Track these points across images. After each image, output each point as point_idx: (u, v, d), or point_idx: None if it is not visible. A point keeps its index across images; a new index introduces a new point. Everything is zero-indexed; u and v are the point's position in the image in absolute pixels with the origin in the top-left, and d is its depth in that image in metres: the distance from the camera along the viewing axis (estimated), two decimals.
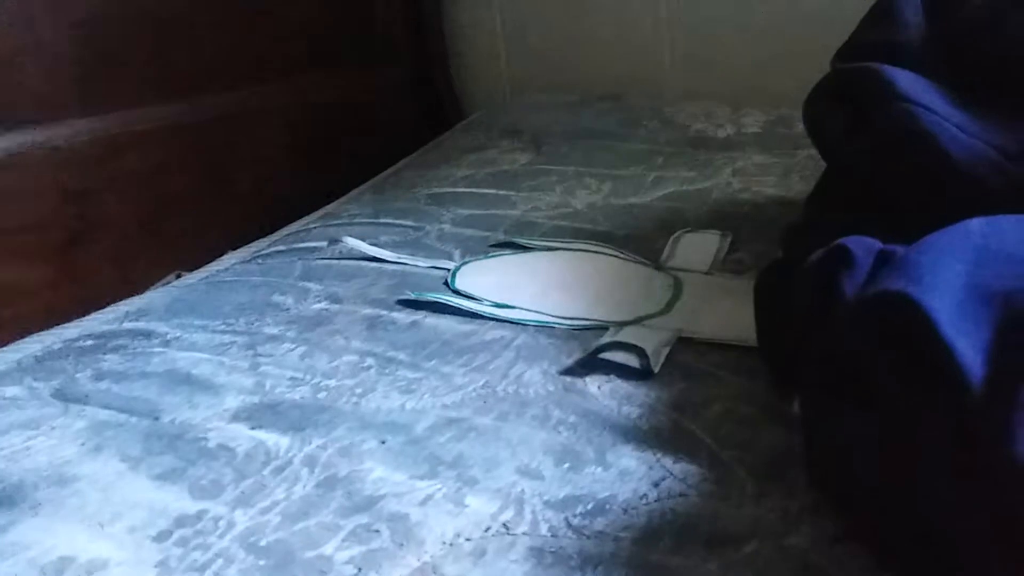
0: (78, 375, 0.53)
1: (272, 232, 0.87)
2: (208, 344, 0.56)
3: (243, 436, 0.45)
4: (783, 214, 0.72)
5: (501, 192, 0.84)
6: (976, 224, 0.39)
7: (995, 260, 0.37)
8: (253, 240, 0.85)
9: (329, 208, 0.90)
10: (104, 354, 0.56)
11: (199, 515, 0.39)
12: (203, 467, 0.43)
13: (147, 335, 0.59)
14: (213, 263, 0.79)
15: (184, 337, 0.58)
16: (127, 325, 0.61)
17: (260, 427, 0.46)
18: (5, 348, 0.62)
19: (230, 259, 0.79)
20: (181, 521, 0.39)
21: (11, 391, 0.52)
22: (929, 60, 0.55)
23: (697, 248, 0.68)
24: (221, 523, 0.39)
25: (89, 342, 0.59)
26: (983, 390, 0.31)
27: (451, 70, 1.28)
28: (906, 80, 0.52)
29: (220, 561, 0.37)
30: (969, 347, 0.33)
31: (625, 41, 1.15)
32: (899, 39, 0.57)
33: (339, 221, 0.82)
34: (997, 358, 0.32)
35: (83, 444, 0.45)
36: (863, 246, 0.42)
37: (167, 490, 0.41)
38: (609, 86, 1.14)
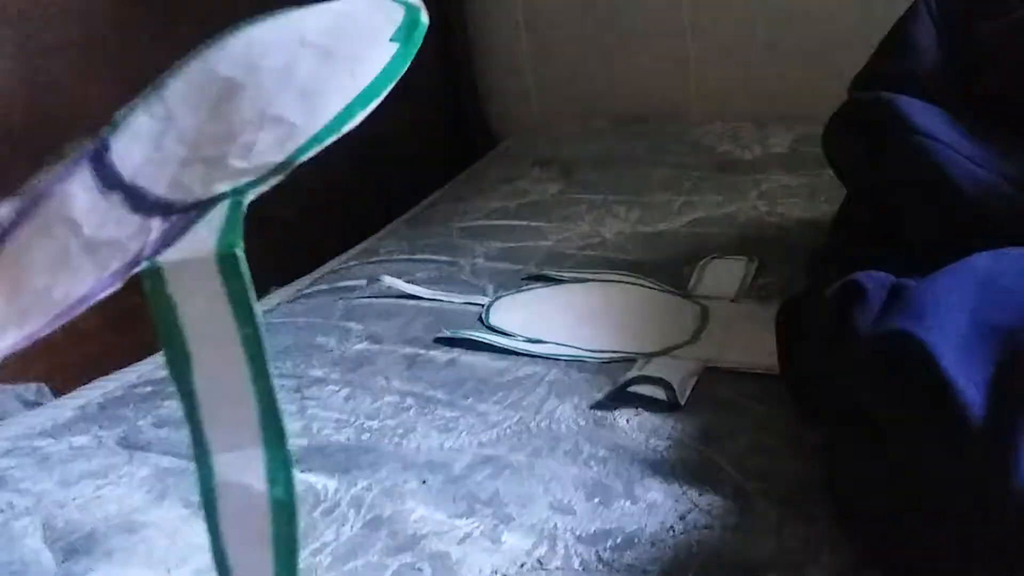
0: (140, 422, 0.57)
1: (313, 266, 0.91)
2: None
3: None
4: (809, 237, 0.73)
5: (532, 224, 0.87)
6: (982, 260, 0.41)
7: (998, 295, 0.38)
8: (295, 274, 0.89)
9: (367, 244, 0.94)
10: (162, 400, 0.60)
11: None
12: None
13: None
14: (260, 301, 0.83)
15: None
16: None
17: (310, 470, 0.49)
18: (69, 395, 0.67)
19: (275, 298, 0.83)
20: None
21: (79, 440, 0.56)
22: (943, 87, 0.57)
23: (723, 275, 0.70)
24: None
25: (148, 388, 0.63)
26: (983, 424, 0.33)
27: (481, 99, 1.31)
28: (919, 111, 0.53)
29: None
30: (970, 382, 0.34)
31: (651, 65, 1.17)
32: (913, 67, 0.59)
33: (378, 258, 0.85)
34: (997, 392, 0.34)
35: (148, 491, 0.48)
36: (875, 281, 0.43)
37: None
38: (637, 109, 1.16)
